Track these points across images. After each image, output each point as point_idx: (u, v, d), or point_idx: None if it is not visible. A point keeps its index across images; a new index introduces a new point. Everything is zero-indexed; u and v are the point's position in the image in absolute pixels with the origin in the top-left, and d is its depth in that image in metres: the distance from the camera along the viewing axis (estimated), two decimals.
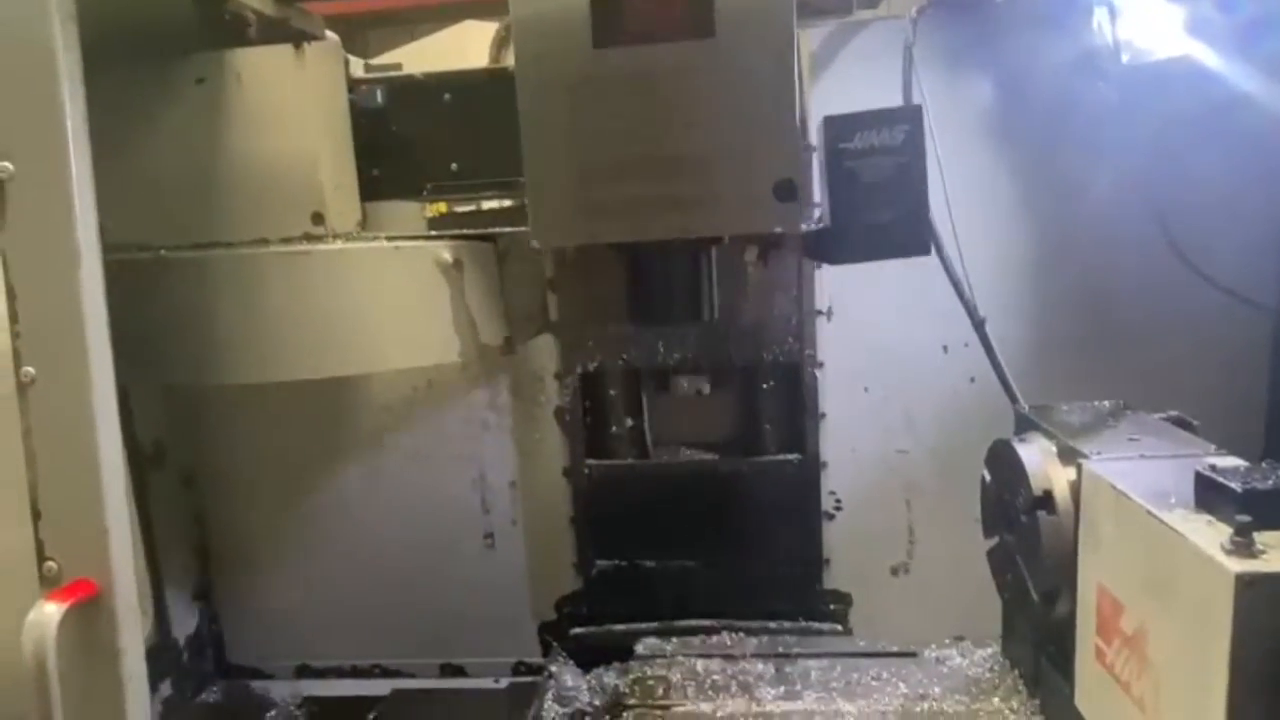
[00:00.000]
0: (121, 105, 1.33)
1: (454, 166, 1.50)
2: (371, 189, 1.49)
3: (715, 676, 1.38)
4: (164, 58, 1.30)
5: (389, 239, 1.24)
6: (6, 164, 0.75)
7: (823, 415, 1.98)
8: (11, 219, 0.76)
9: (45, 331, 0.76)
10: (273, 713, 1.70)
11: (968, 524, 1.99)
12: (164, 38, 1.22)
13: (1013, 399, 1.51)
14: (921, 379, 1.98)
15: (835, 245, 1.32)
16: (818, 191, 1.40)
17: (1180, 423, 1.20)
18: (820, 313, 1.95)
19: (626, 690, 1.36)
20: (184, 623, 2.05)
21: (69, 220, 0.75)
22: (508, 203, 1.62)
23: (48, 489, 0.78)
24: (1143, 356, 1.87)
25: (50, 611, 0.74)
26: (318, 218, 1.34)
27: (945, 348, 1.98)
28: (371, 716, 1.50)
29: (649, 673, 1.38)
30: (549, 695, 1.48)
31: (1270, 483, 0.84)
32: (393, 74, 1.51)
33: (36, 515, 0.78)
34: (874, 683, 1.35)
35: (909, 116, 1.28)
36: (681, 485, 1.96)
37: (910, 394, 2.00)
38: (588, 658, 1.72)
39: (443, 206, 1.84)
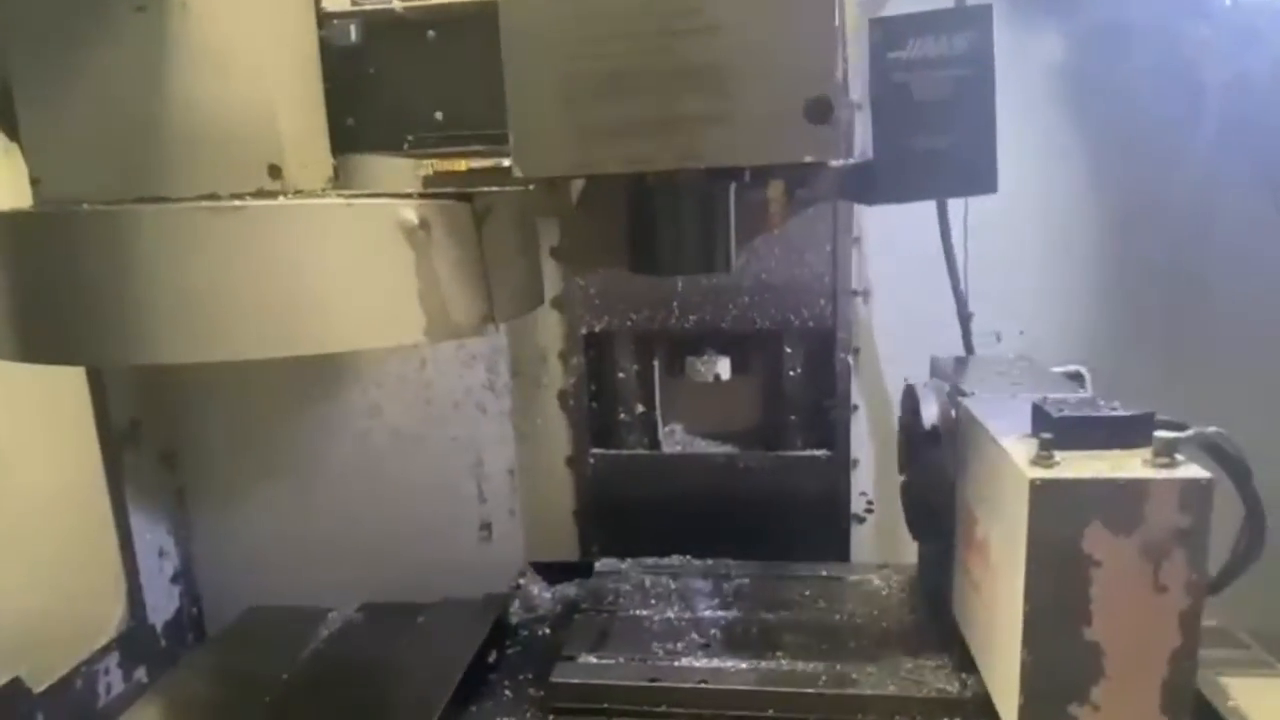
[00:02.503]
0: (53, 37, 1.15)
1: (439, 116, 1.29)
2: (346, 140, 1.29)
3: (659, 590, 1.52)
4: None
5: (346, 197, 1.05)
6: None
7: (855, 407, 1.78)
8: None
9: None
10: (334, 614, 1.67)
11: None
12: None
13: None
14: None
15: (879, 179, 1.08)
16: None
17: (1074, 376, 1.36)
18: (856, 293, 1.73)
19: (582, 598, 1.53)
20: (162, 607, 1.91)
21: None
22: (505, 163, 1.41)
23: None
24: (1243, 348, 1.64)
25: None
26: (275, 170, 1.14)
27: (998, 335, 1.76)
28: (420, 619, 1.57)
29: (604, 585, 1.55)
30: (517, 602, 1.61)
31: (1080, 412, 1.01)
32: (369, 7, 1.30)
33: None
34: (798, 598, 1.48)
35: (976, 19, 1.03)
36: (695, 480, 1.76)
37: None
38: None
39: (441, 164, 1.65)
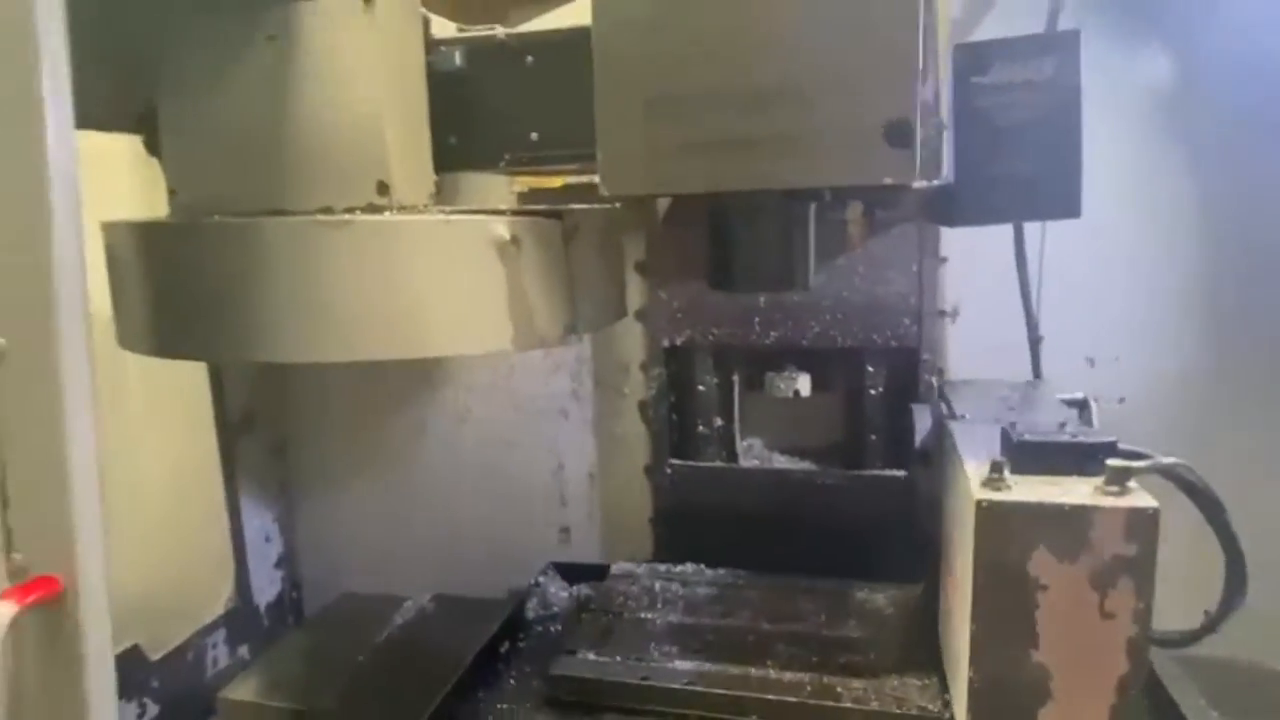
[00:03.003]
0: (195, 63, 1.27)
1: (534, 136, 1.36)
2: (448, 158, 1.37)
3: (668, 595, 1.58)
4: (237, 13, 1.23)
5: (445, 212, 1.12)
6: None
7: None
8: None
9: (14, 297, 0.68)
10: (408, 603, 1.80)
11: None
12: None
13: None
14: (1060, 392, 1.72)
15: (959, 202, 1.09)
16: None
17: (1081, 404, 1.33)
18: (944, 313, 1.72)
19: (593, 598, 1.61)
20: (265, 590, 2.05)
21: (42, 177, 0.66)
22: (595, 180, 1.47)
23: (16, 474, 0.70)
24: None
25: (3, 609, 0.66)
26: (383, 187, 1.23)
27: (1091, 361, 1.72)
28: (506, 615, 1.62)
29: (615, 588, 1.61)
30: (535, 599, 1.68)
31: (1040, 438, 1.02)
32: (473, 34, 1.38)
33: (5, 502, 0.70)
34: (800, 610, 1.50)
35: (1063, 44, 1.03)
36: (772, 495, 1.77)
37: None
38: None
39: (534, 180, 1.73)
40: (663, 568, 1.69)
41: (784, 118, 1.04)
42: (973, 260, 1.70)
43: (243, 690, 1.52)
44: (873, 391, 1.76)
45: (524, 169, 1.42)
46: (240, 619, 1.96)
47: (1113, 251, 1.65)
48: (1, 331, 0.68)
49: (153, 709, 1.68)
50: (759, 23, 1.03)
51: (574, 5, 1.17)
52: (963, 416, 1.24)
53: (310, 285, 1.04)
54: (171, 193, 1.32)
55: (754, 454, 1.85)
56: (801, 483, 1.77)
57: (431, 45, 1.34)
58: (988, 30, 1.52)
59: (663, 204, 1.64)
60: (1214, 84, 1.55)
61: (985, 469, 0.99)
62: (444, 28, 1.43)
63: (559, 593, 1.70)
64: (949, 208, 1.10)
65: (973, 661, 0.97)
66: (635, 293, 1.76)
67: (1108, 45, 1.56)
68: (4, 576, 0.70)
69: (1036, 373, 1.65)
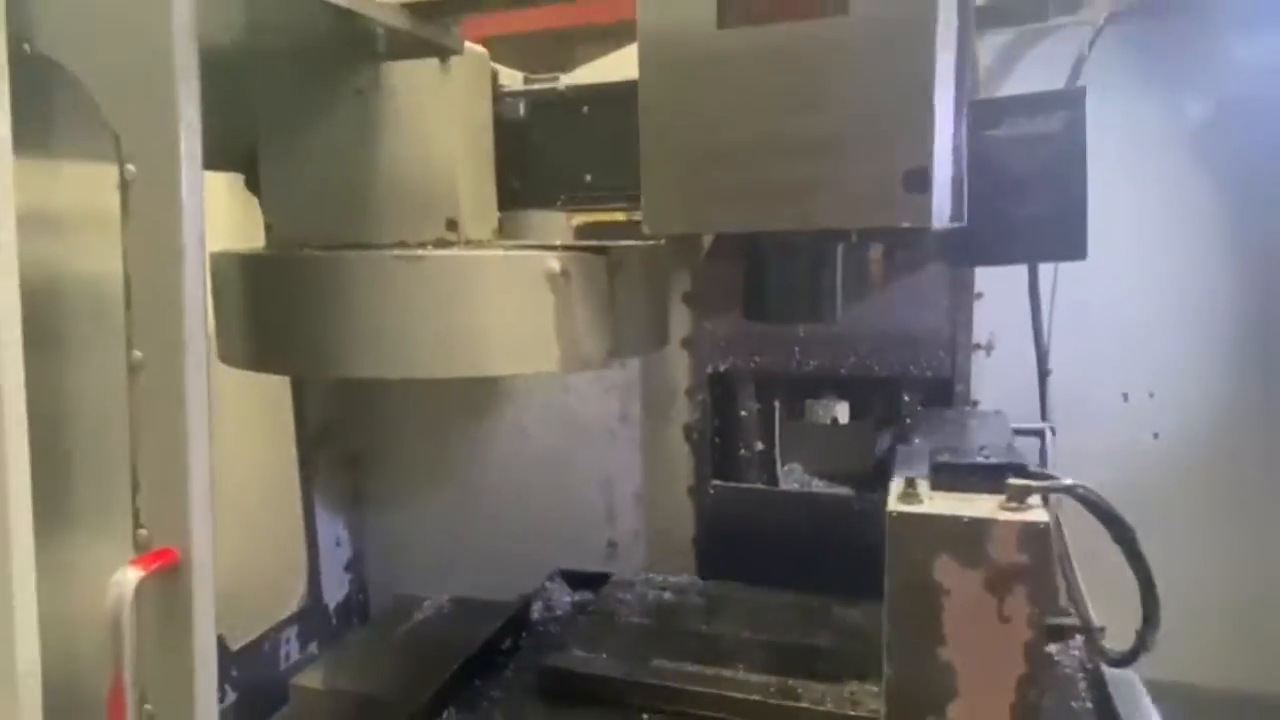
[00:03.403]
0: (292, 112, 1.45)
1: (588, 178, 1.51)
2: (510, 198, 1.53)
3: (661, 603, 1.73)
4: (330, 70, 1.40)
5: (505, 248, 1.26)
6: (131, 166, 0.82)
7: None
8: (133, 216, 0.83)
9: (152, 316, 0.83)
10: (428, 601, 1.97)
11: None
12: (322, 51, 1.31)
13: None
14: (1094, 429, 1.77)
15: (975, 244, 1.19)
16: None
17: (1038, 433, 1.46)
18: (978, 346, 1.78)
19: (593, 603, 1.76)
20: (335, 591, 2.21)
21: (177, 218, 0.81)
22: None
23: (146, 462, 0.85)
24: None
25: (130, 575, 0.81)
26: (452, 224, 1.38)
27: (1125, 395, 1.76)
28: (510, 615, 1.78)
29: (613, 595, 1.78)
30: (540, 602, 1.84)
31: (956, 459, 1.14)
32: (535, 86, 1.54)
33: (136, 486, 0.85)
34: (780, 623, 1.60)
35: (1070, 101, 1.12)
36: (809, 518, 1.85)
37: (1079, 445, 1.78)
38: None
39: (592, 216, 1.87)
40: (659, 578, 1.84)
41: (812, 165, 1.15)
42: (1008, 296, 1.77)
43: (310, 679, 1.67)
44: (909, 420, 1.82)
45: (578, 207, 1.57)
46: (311, 617, 2.11)
47: (1147, 288, 1.70)
48: (140, 346, 0.84)
49: (231, 695, 1.84)
50: (789, 80, 1.15)
51: (628, 55, 1.29)
52: (914, 441, 1.34)
53: (386, 311, 1.18)
54: (268, 227, 1.50)
55: (794, 478, 1.94)
56: (838, 506, 1.84)
57: (499, 95, 1.50)
58: (1020, 77, 1.61)
59: (708, 239, 1.76)
60: (1244, 124, 1.59)
61: (903, 485, 1.10)
62: (511, 78, 1.60)
63: (562, 597, 1.86)
64: (965, 249, 1.19)
65: (889, 659, 1.08)
66: (682, 322, 1.88)
67: (1138, 90, 1.62)
68: (131, 548, 0.85)
69: (1043, 404, 1.70)
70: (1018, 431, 1.39)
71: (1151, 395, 1.73)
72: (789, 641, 1.53)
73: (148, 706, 0.85)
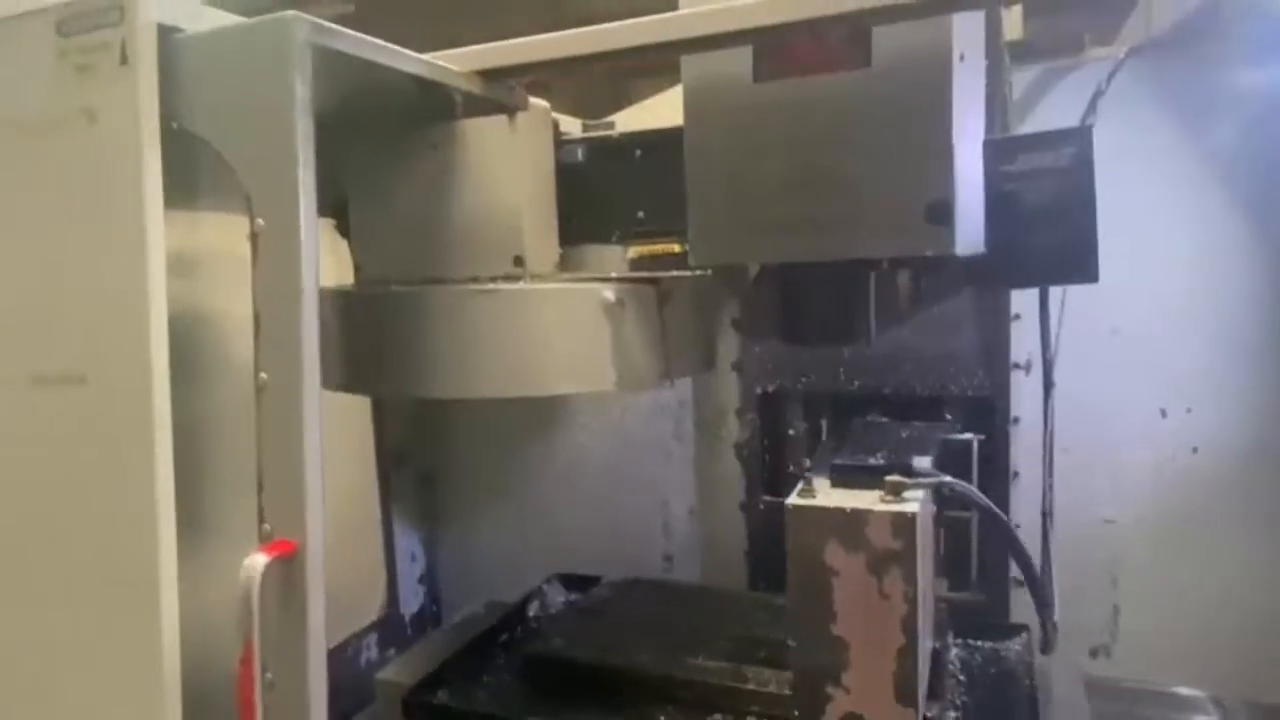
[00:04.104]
0: (377, 166, 1.64)
1: (640, 214, 1.66)
2: (570, 234, 1.69)
3: (645, 602, 1.88)
4: (410, 127, 1.58)
5: (567, 281, 1.41)
6: (260, 220, 1.00)
7: (1015, 475, 1.89)
8: (261, 262, 1.00)
9: (277, 344, 1.00)
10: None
11: (1183, 603, 1.81)
12: (406, 112, 1.49)
13: None
14: (1132, 444, 1.83)
15: (995, 270, 1.30)
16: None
17: (964, 444, 1.54)
18: (1017, 365, 1.87)
19: (584, 603, 1.93)
20: (409, 602, 2.38)
21: (298, 263, 0.99)
22: None
23: (269, 467, 1.01)
24: None
25: (259, 560, 0.97)
26: (518, 260, 1.54)
27: (1163, 411, 1.82)
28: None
29: (602, 595, 1.94)
30: (536, 602, 2.00)
31: (848, 461, 1.31)
32: (592, 135, 1.70)
33: (260, 487, 1.01)
34: (751, 618, 1.74)
35: (1077, 138, 1.23)
36: None
37: (1118, 459, 1.85)
38: None
39: (645, 249, 2.02)
40: (647, 581, 2.00)
41: (842, 201, 1.29)
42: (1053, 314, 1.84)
43: (393, 673, 1.82)
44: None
45: (631, 242, 1.72)
46: (389, 625, 2.29)
47: (1181, 307, 1.77)
48: (266, 369, 1.01)
49: None
50: (819, 125, 1.29)
51: (676, 95, 1.43)
52: (835, 449, 1.50)
53: (460, 338, 1.35)
54: (357, 267, 1.69)
55: None
56: None
57: (559, 143, 1.67)
58: (1047, 108, 1.71)
59: (754, 268, 1.89)
60: (1267, 143, 1.66)
61: (802, 484, 1.27)
62: (571, 125, 1.77)
63: (556, 597, 2.04)
64: (989, 274, 1.30)
65: (791, 636, 1.24)
66: (732, 346, 2.01)
67: (1164, 113, 1.71)
68: (257, 540, 1.02)
69: (1046, 418, 1.76)
70: (950, 440, 1.53)
71: (1189, 410, 1.79)
72: (754, 635, 1.67)
73: (268, 675, 1.01)
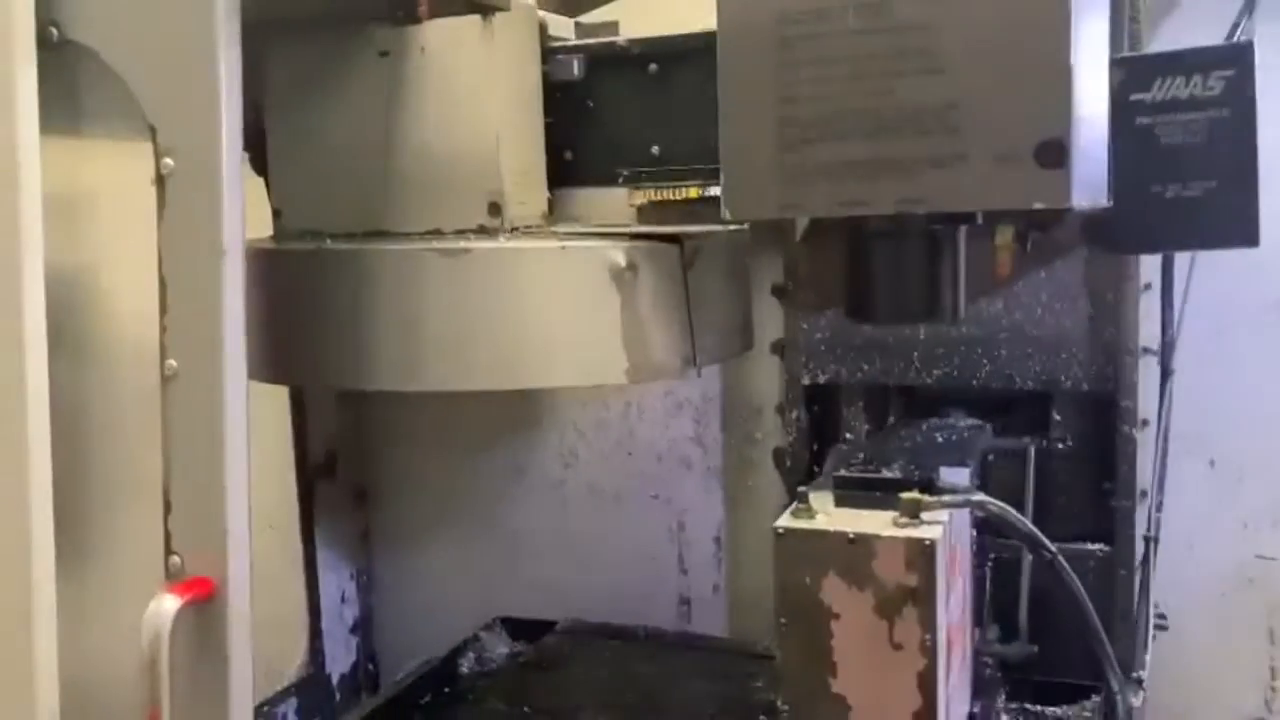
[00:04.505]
0: (305, 80, 1.66)
1: (655, 150, 1.69)
2: (562, 174, 1.72)
3: (600, 660, 2.02)
4: (352, 27, 1.60)
5: (560, 236, 1.44)
6: (169, 160, 1.03)
7: (1143, 493, 1.93)
8: (169, 214, 1.04)
9: (190, 326, 1.04)
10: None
11: None
12: (346, 4, 1.50)
13: None
14: None
15: (1119, 229, 1.33)
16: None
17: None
18: (1146, 351, 1.90)
19: (525, 654, 2.11)
20: (338, 659, 2.42)
21: (218, 217, 1.02)
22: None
23: (178, 482, 1.05)
24: None
25: (168, 604, 1.01)
26: (494, 207, 1.57)
27: None
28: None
29: (552, 645, 2.11)
30: (471, 654, 2.17)
31: (856, 473, 1.37)
32: (592, 40, 1.72)
33: (168, 508, 1.05)
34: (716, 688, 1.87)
35: (1234, 57, 1.25)
36: None
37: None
38: None
39: (653, 193, 2.05)
40: (612, 626, 2.13)
41: (926, 138, 1.31)
42: (1192, 288, 1.88)
43: None
44: (1061, 446, 1.95)
45: (644, 184, 1.75)
46: (312, 689, 2.33)
47: None
48: (175, 355, 1.04)
49: None
50: (903, 36, 1.31)
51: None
52: (859, 456, 1.53)
53: (419, 312, 1.38)
54: (276, 214, 1.72)
55: None
56: (973, 552, 1.97)
57: (549, 52, 1.69)
58: (1188, 17, 1.74)
59: (801, 221, 1.92)
60: None
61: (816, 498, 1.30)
62: (564, 28, 1.78)
63: (498, 648, 2.16)
64: (1112, 235, 1.33)
65: (782, 694, 1.26)
66: (773, 322, 2.04)
67: None
68: (162, 576, 1.06)
69: (1163, 411, 1.81)
70: (995, 451, 1.59)
71: None
72: (736, 695, 1.80)
73: None
